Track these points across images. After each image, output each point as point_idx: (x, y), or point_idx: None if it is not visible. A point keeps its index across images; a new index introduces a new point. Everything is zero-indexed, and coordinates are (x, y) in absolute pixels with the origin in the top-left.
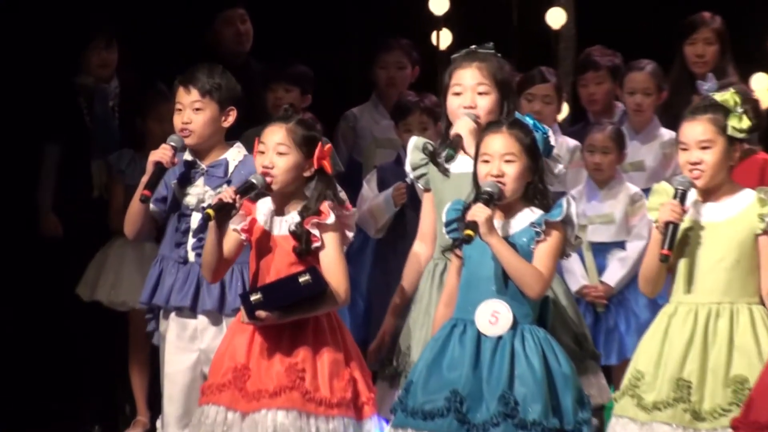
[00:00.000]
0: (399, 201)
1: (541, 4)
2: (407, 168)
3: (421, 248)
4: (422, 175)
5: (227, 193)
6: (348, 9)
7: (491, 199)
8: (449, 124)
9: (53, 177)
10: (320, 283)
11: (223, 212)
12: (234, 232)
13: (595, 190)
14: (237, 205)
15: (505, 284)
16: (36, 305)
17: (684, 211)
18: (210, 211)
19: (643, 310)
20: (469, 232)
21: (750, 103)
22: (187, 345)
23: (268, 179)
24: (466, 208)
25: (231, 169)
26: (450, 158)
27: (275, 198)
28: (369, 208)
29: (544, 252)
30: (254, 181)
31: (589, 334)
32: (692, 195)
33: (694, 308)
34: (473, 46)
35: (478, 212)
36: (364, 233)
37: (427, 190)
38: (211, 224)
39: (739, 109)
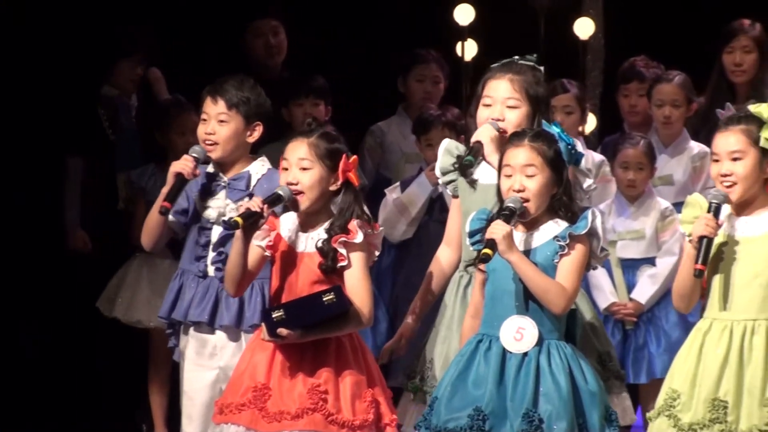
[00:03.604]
0: (434, 180)
1: (568, 14)
2: (437, 172)
3: (445, 252)
4: (451, 181)
5: (255, 203)
6: (371, 18)
7: (512, 216)
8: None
9: (77, 191)
10: (344, 302)
11: (251, 221)
12: (258, 247)
13: (625, 206)
14: (264, 215)
15: (530, 300)
16: (61, 320)
17: (718, 225)
18: (238, 219)
19: (673, 328)
20: (487, 250)
21: None
22: (207, 362)
23: (297, 197)
24: (490, 221)
25: (253, 182)
26: (469, 165)
27: (300, 214)
28: (398, 203)
29: (567, 266)
30: (281, 192)
31: (615, 352)
32: (726, 209)
33: (729, 325)
34: (515, 57)
35: (497, 230)
36: (387, 252)
37: (455, 196)
38: (237, 234)
39: None
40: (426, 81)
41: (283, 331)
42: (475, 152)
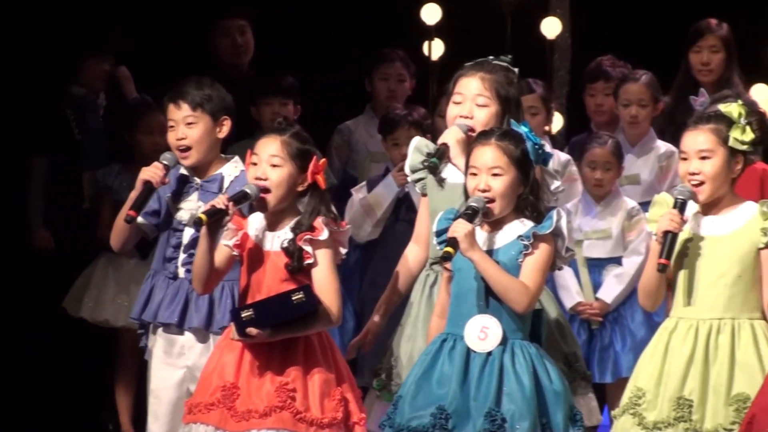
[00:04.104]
0: (401, 181)
1: (535, 13)
2: (406, 170)
3: (414, 250)
4: (420, 179)
5: (220, 200)
6: (338, 18)
7: (475, 215)
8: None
9: (42, 190)
10: (313, 302)
11: (216, 219)
12: (225, 247)
13: (591, 205)
14: (229, 212)
15: (493, 299)
16: (25, 319)
17: (683, 221)
18: (202, 216)
19: (639, 328)
20: (448, 249)
21: (756, 115)
22: (174, 362)
23: (264, 195)
24: (454, 220)
25: (226, 184)
26: (434, 168)
27: (267, 213)
28: (365, 203)
29: (531, 265)
30: (248, 190)
31: (582, 353)
32: (693, 206)
33: (695, 324)
34: (490, 57)
35: (459, 228)
36: (352, 251)
37: (424, 194)
38: (203, 232)
39: (743, 121)
40: (390, 80)
41: (252, 330)
42: (441, 154)
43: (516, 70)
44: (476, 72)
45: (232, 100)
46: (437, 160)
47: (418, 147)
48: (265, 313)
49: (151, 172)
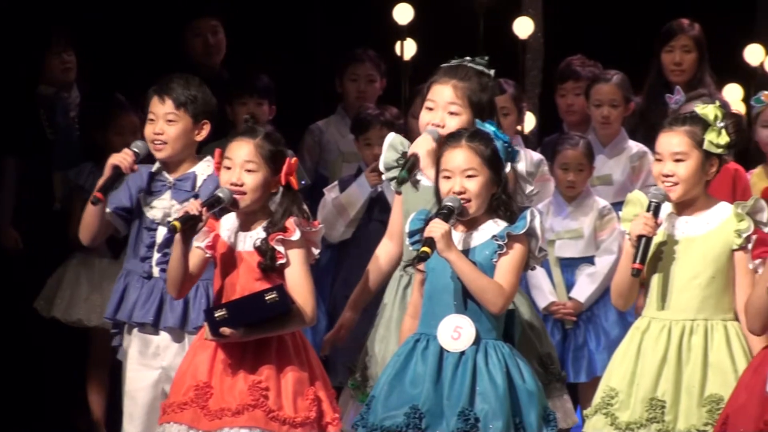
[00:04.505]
0: (373, 181)
1: (508, 13)
2: (381, 167)
3: (387, 246)
4: (395, 177)
5: (193, 206)
6: (310, 18)
7: (451, 214)
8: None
9: (12, 190)
10: (287, 301)
11: (189, 225)
12: (198, 249)
13: (563, 205)
14: (203, 217)
15: (467, 299)
16: None
17: (657, 225)
18: (176, 224)
19: (612, 327)
20: (425, 249)
21: (732, 118)
22: (150, 362)
23: (237, 197)
24: (428, 221)
25: (199, 183)
26: (403, 181)
27: (240, 214)
28: (337, 204)
29: (505, 265)
30: (221, 195)
31: (556, 354)
32: (666, 208)
33: (668, 325)
34: (467, 59)
35: (436, 228)
36: (324, 251)
37: (398, 192)
38: (177, 237)
39: (719, 124)
40: (360, 80)
41: (225, 330)
42: (411, 165)
43: (492, 72)
44: (450, 79)
45: (216, 104)
46: (407, 173)
47: (392, 144)
48: (238, 312)
49: (120, 158)
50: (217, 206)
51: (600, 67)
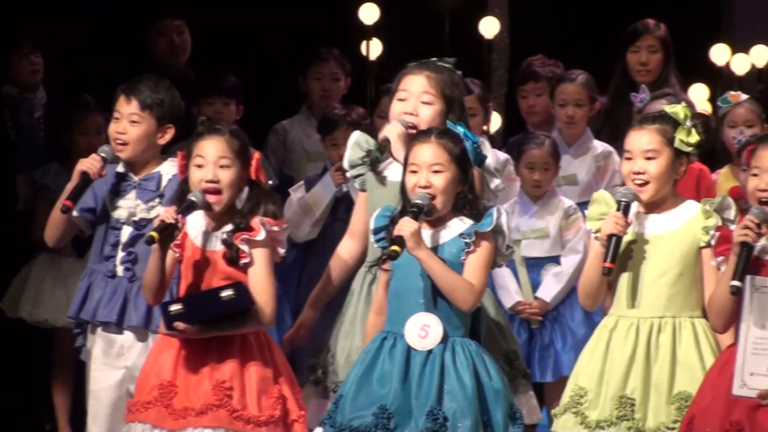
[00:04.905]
0: (338, 180)
1: (473, 13)
2: (345, 164)
3: (348, 244)
4: (359, 175)
5: (168, 214)
6: (276, 18)
7: (420, 212)
8: None
9: None
10: (245, 300)
11: (166, 233)
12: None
13: (529, 205)
14: (179, 225)
15: (435, 297)
16: None
17: (627, 224)
18: (153, 234)
19: (578, 326)
20: (395, 247)
21: (700, 118)
22: (114, 362)
23: (214, 197)
24: (394, 219)
25: (164, 182)
26: (375, 160)
27: (209, 213)
28: (303, 203)
29: (474, 263)
30: (194, 199)
31: (521, 351)
32: (635, 207)
33: (636, 323)
34: (434, 59)
35: (405, 226)
36: (289, 250)
37: (362, 190)
38: (154, 247)
39: (689, 123)
40: (324, 79)
41: (180, 324)
42: (382, 149)
43: (459, 72)
44: (422, 70)
45: (183, 109)
46: (379, 153)
47: (357, 142)
48: (193, 308)
49: (88, 164)
50: (191, 211)
51: (561, 66)
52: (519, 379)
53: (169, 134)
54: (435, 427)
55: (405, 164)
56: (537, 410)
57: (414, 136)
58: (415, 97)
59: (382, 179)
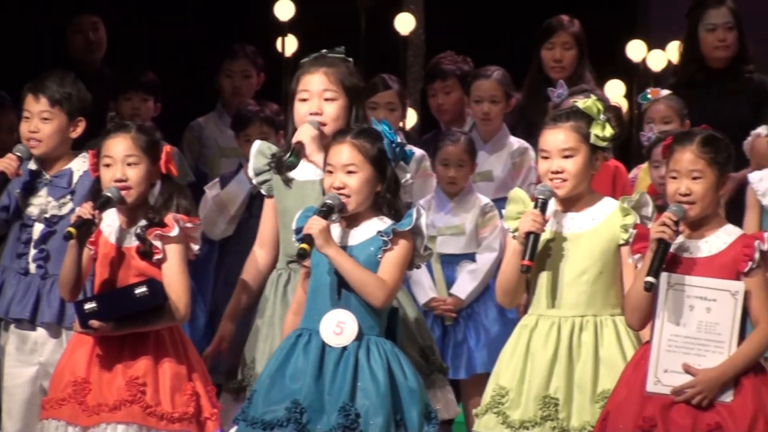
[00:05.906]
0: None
1: (389, 9)
2: (250, 173)
3: (259, 253)
4: (265, 181)
5: (86, 209)
6: (192, 14)
7: (330, 212)
8: (295, 131)
9: None
10: (158, 296)
11: (84, 229)
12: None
13: (445, 201)
14: (96, 220)
15: (351, 294)
16: None
17: (545, 221)
18: (71, 230)
19: (492, 324)
20: (303, 246)
21: (612, 111)
22: (27, 358)
23: (123, 192)
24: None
25: (75, 179)
26: (291, 167)
27: (122, 210)
28: (218, 201)
29: (389, 261)
30: (110, 194)
31: (437, 347)
32: (552, 204)
33: (557, 322)
34: (324, 51)
35: (313, 225)
36: (208, 246)
37: (269, 196)
38: (71, 243)
39: (602, 117)
40: (235, 76)
41: (94, 322)
42: (297, 153)
43: (351, 60)
44: (318, 67)
45: (91, 100)
46: (295, 159)
47: (260, 150)
48: (107, 305)
49: (5, 164)
50: (108, 207)
51: (470, 62)
52: (435, 374)
53: (81, 127)
54: (347, 423)
55: (324, 164)
56: (454, 404)
57: (333, 137)
58: (317, 95)
59: (288, 180)
